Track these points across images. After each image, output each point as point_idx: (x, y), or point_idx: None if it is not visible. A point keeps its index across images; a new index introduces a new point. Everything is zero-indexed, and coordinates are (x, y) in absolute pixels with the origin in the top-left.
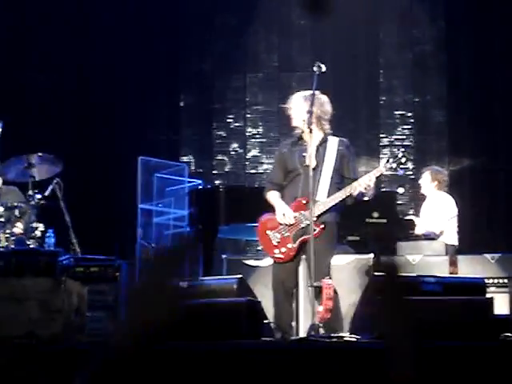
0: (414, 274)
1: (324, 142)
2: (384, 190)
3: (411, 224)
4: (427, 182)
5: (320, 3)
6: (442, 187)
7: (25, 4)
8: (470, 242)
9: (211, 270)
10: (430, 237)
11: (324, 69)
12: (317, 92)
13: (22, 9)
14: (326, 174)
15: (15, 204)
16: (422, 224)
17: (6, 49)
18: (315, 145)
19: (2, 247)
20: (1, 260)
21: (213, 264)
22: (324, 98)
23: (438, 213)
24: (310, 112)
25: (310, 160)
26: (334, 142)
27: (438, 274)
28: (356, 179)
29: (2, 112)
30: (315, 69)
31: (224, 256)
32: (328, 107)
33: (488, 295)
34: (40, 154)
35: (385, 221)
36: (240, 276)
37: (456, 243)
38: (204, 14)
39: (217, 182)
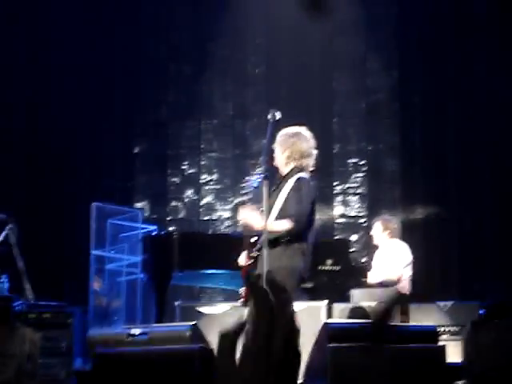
0: (369, 322)
1: (284, 179)
2: (337, 237)
3: (364, 271)
4: (379, 232)
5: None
6: (394, 235)
7: None
8: (423, 290)
9: (164, 317)
10: (385, 284)
11: (279, 116)
12: (294, 128)
13: None
14: (273, 213)
15: None
16: (378, 272)
17: None
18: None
19: None
20: None
21: (165, 311)
22: (296, 137)
23: (393, 260)
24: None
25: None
26: (292, 180)
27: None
28: (285, 216)
29: None
30: (270, 116)
31: (177, 303)
32: (299, 145)
33: (440, 343)
34: None
35: (338, 268)
36: (194, 323)
37: (408, 292)
38: (159, 62)
39: (171, 228)
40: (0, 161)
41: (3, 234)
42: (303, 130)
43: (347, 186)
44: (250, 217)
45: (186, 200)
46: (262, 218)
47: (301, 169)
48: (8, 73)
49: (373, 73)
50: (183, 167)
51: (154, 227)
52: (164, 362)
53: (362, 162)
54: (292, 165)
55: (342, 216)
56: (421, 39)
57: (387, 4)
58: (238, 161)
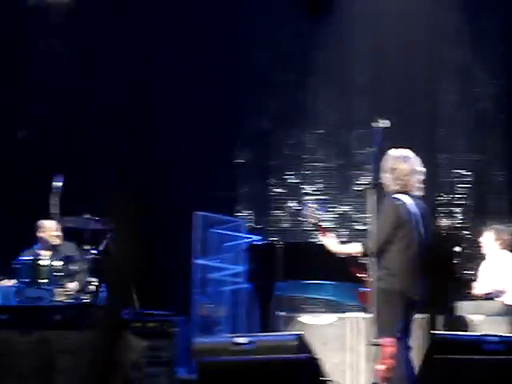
0: (476, 334)
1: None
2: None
3: (469, 283)
4: (490, 241)
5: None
6: (505, 246)
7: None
8: None
9: (268, 327)
10: (492, 296)
11: (388, 124)
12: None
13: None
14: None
15: (73, 259)
16: (486, 283)
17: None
18: None
19: (60, 301)
20: (59, 314)
21: (270, 321)
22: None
23: (502, 272)
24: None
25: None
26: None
27: (501, 334)
28: None
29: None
30: (378, 124)
31: (280, 313)
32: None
33: None
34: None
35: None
36: (300, 332)
37: None
38: (262, 70)
39: (273, 238)
40: (106, 172)
41: (104, 242)
42: (406, 153)
43: (452, 196)
44: (327, 242)
45: (289, 210)
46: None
47: (397, 191)
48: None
49: (479, 81)
50: (286, 177)
51: (258, 237)
52: (270, 372)
53: (468, 173)
54: (392, 187)
55: (447, 227)
56: None
57: (495, 12)
58: (342, 171)
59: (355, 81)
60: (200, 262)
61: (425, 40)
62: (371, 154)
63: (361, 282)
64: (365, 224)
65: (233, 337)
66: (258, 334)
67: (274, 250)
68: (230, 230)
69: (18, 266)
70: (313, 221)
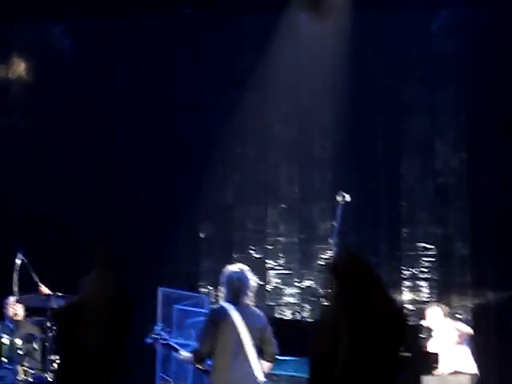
0: None
1: None
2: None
3: (435, 357)
4: (440, 317)
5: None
6: (448, 316)
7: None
8: (497, 376)
9: None
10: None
11: (348, 198)
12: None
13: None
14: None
15: (33, 337)
16: (450, 360)
17: None
18: None
19: (21, 381)
20: None
21: None
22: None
23: (463, 346)
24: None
25: None
26: None
27: None
28: None
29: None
30: (339, 198)
31: None
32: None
33: None
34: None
35: (409, 354)
36: None
37: (477, 371)
38: (225, 144)
39: None
40: (69, 249)
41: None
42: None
43: (416, 270)
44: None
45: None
46: None
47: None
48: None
49: (441, 155)
50: (249, 252)
51: None
52: None
53: (431, 246)
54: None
55: (412, 301)
56: (489, 119)
57: (455, 84)
58: (304, 245)
59: (317, 155)
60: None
61: (385, 113)
62: (333, 229)
63: None
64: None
65: None
66: None
67: None
68: (193, 306)
69: None
70: (163, 342)
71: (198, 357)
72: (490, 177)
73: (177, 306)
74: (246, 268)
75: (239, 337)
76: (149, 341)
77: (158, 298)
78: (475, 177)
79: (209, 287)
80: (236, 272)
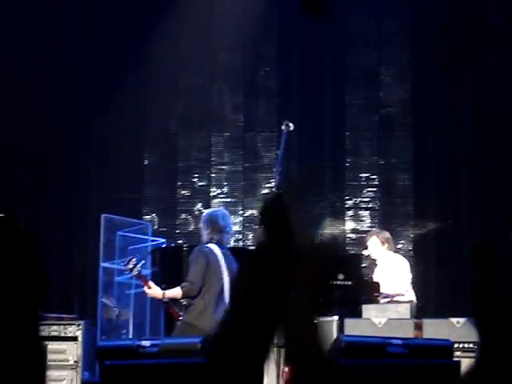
0: (380, 336)
1: None
2: (349, 252)
3: (376, 286)
4: (378, 246)
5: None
6: (391, 247)
7: None
8: (436, 305)
9: (172, 331)
10: (396, 300)
11: (292, 127)
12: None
13: None
14: None
15: None
16: (386, 288)
17: None
18: None
19: None
20: None
21: (175, 324)
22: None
23: (395, 273)
24: None
25: None
26: None
27: (404, 336)
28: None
29: None
30: (283, 127)
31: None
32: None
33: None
34: None
35: (350, 283)
36: (204, 336)
37: (414, 300)
38: (169, 73)
39: (180, 241)
40: (9, 172)
41: None
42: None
43: (359, 200)
44: (153, 292)
45: (196, 213)
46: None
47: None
48: (18, 75)
49: (385, 86)
50: (193, 180)
51: (163, 240)
52: (174, 375)
53: (374, 177)
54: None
55: (354, 231)
56: (435, 51)
57: (401, 16)
58: (248, 174)
59: (262, 84)
60: (105, 265)
61: (332, 44)
62: (277, 157)
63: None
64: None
65: (138, 340)
66: (163, 337)
67: (179, 253)
68: (136, 233)
69: None
70: (135, 273)
71: (194, 290)
72: (434, 108)
73: (120, 233)
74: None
75: (223, 280)
76: (127, 271)
77: (101, 224)
78: (420, 108)
79: (152, 215)
80: (219, 211)
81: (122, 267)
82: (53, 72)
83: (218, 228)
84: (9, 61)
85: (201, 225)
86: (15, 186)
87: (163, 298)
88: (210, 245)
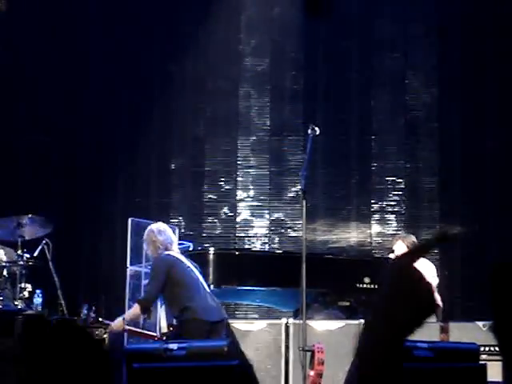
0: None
1: None
2: (375, 255)
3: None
4: (404, 250)
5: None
6: None
7: (15, 71)
8: (462, 309)
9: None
10: None
11: (318, 131)
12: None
13: (12, 74)
14: None
15: (4, 264)
16: None
17: None
18: None
19: None
20: None
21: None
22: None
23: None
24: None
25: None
26: None
27: (430, 340)
28: None
29: None
30: (309, 131)
31: None
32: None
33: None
34: (30, 215)
35: (375, 286)
36: (230, 338)
37: (440, 304)
38: (196, 77)
39: (206, 244)
40: (39, 175)
41: (38, 248)
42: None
43: (385, 203)
44: (114, 324)
45: (223, 216)
46: None
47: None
48: (46, 81)
49: (411, 90)
50: (220, 183)
51: (190, 243)
52: (201, 378)
53: (400, 180)
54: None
55: (380, 234)
56: (461, 55)
57: (427, 20)
58: (274, 177)
59: (288, 88)
60: (133, 268)
61: (358, 47)
62: (303, 161)
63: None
64: (297, 230)
65: (165, 343)
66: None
67: (206, 256)
68: None
69: None
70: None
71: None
72: (460, 112)
73: None
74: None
75: (190, 269)
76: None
77: (129, 228)
78: (446, 112)
79: (179, 218)
80: (161, 226)
81: None
82: (80, 76)
83: (168, 241)
84: (36, 66)
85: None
86: (43, 191)
87: (125, 322)
88: (168, 252)
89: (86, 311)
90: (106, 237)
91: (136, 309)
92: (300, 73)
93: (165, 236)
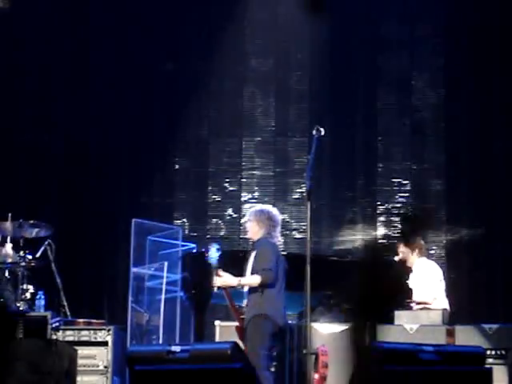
0: (412, 343)
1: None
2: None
3: (409, 292)
4: (408, 255)
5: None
6: (422, 253)
7: (16, 70)
8: (468, 312)
9: (203, 336)
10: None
11: (323, 132)
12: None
13: (12, 73)
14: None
15: (5, 265)
16: (419, 293)
17: None
18: None
19: None
20: None
21: (205, 329)
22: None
23: (425, 281)
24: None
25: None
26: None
27: (436, 343)
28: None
29: None
30: (314, 132)
31: (216, 322)
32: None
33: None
34: (32, 221)
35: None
36: (234, 341)
37: (447, 307)
38: (200, 78)
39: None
40: (39, 177)
41: (41, 249)
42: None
43: (391, 205)
44: (225, 280)
45: (227, 218)
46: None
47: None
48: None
49: (418, 91)
50: (224, 184)
51: (194, 245)
52: (204, 380)
53: (406, 182)
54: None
55: (385, 236)
56: (467, 56)
57: (434, 20)
58: (279, 178)
59: (293, 88)
60: (136, 269)
61: (363, 48)
62: (308, 162)
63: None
64: (302, 232)
65: (167, 345)
66: (193, 342)
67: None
68: (167, 238)
69: None
70: (214, 263)
71: (272, 278)
72: (466, 113)
73: (150, 238)
74: None
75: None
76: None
77: (132, 229)
78: (452, 113)
79: (183, 219)
80: (271, 209)
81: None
82: (82, 76)
83: (273, 224)
84: (37, 66)
85: (253, 219)
86: (46, 190)
87: (238, 285)
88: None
89: None
90: (110, 238)
91: (256, 278)
92: (305, 73)
93: (275, 222)
